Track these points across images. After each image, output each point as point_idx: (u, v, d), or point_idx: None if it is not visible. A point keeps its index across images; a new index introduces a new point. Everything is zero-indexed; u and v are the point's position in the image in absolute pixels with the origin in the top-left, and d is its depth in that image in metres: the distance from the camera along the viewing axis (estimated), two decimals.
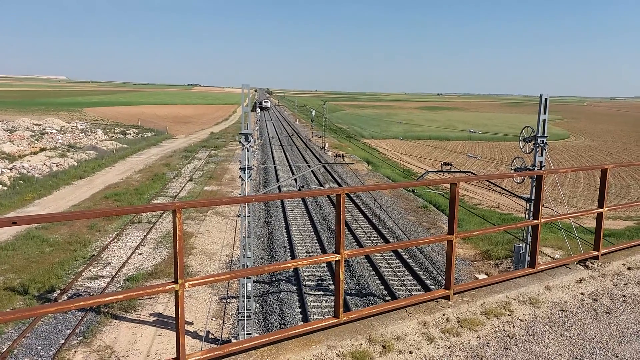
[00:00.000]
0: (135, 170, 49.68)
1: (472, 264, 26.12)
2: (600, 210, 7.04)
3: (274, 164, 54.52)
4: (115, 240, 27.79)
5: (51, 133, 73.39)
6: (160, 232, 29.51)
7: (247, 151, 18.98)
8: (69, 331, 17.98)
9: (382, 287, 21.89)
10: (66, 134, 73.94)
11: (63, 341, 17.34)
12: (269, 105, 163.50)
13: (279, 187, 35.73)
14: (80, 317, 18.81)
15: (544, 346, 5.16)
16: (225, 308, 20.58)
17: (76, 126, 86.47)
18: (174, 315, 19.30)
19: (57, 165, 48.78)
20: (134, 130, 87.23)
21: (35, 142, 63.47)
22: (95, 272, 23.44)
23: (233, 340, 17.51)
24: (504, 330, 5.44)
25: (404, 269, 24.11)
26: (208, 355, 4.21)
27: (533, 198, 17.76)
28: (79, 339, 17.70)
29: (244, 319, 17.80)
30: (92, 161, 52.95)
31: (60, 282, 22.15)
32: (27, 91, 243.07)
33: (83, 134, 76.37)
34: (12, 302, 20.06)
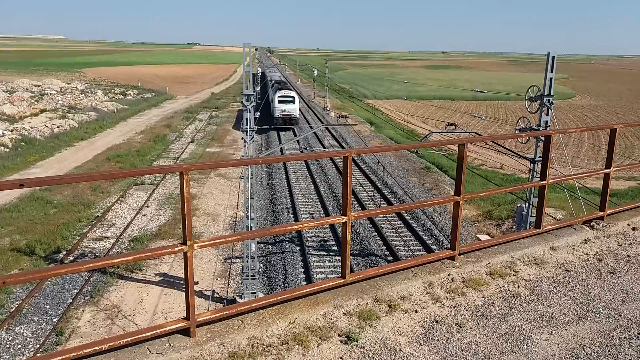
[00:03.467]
0: (136, 132, 49.48)
1: (474, 225, 26.29)
2: (608, 170, 6.99)
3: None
4: (119, 201, 27.95)
5: (51, 94, 72.74)
6: (164, 193, 29.63)
7: (249, 112, 18.81)
8: (76, 291, 18.31)
9: (384, 247, 22.11)
10: (66, 95, 73.28)
11: (71, 301, 17.69)
12: (297, 113, 49.85)
13: (281, 149, 35.60)
14: (87, 278, 19.12)
15: (548, 306, 5.22)
16: (229, 268, 20.88)
17: (76, 87, 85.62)
18: (178, 275, 19.68)
19: (58, 127, 48.57)
20: (134, 91, 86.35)
21: (35, 103, 62.98)
22: (100, 233, 23.68)
23: (238, 300, 17.84)
24: (508, 290, 5.50)
25: (406, 229, 24.29)
26: (217, 315, 4.26)
27: (538, 158, 17.68)
28: (86, 298, 18.04)
29: (248, 279, 18.08)
30: (93, 122, 52.68)
31: (66, 243, 22.41)
32: (25, 51, 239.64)
33: (83, 94, 75.68)
34: (19, 262, 20.35)
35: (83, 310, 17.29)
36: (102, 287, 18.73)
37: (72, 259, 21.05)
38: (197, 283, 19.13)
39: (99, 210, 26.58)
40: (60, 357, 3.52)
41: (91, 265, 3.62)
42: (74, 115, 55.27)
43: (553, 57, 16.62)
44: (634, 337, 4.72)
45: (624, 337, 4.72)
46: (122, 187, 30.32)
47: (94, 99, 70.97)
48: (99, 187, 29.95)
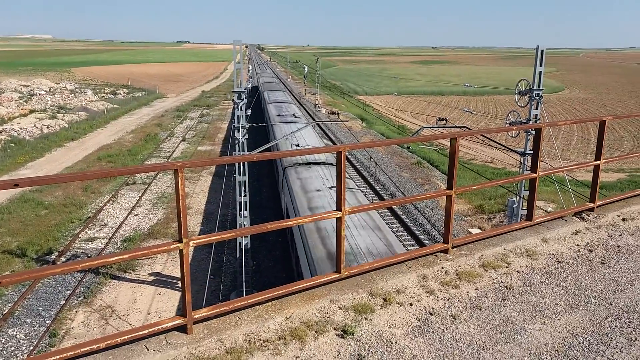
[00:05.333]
0: (127, 131, 49.20)
1: (466, 219, 26.43)
2: (598, 162, 7.07)
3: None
4: (111, 201, 27.81)
5: (40, 94, 72.10)
6: (156, 192, 29.52)
7: (241, 109, 18.78)
8: (69, 292, 18.21)
9: None
10: (55, 95, 72.68)
11: (64, 302, 17.60)
12: None
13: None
14: (80, 279, 19.02)
15: (540, 296, 5.29)
16: (223, 266, 20.87)
17: (65, 87, 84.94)
18: (172, 275, 19.58)
19: (47, 127, 48.17)
20: (124, 90, 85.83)
21: (24, 103, 62.40)
22: (92, 234, 23.55)
23: (232, 297, 17.85)
24: (501, 281, 5.56)
25: (399, 224, 24.39)
26: (214, 311, 4.28)
27: (528, 152, 17.82)
28: (79, 299, 17.96)
29: (241, 276, 18.08)
30: (83, 122, 52.30)
31: (58, 244, 22.27)
32: (13, 51, 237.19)
33: (72, 94, 75.10)
34: (10, 264, 20.21)
35: (76, 311, 17.21)
36: (95, 287, 18.65)
37: (64, 260, 20.93)
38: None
39: (90, 211, 26.44)
40: (58, 357, 3.52)
41: (87, 264, 3.62)
42: (63, 116, 54.84)
43: (542, 50, 16.72)
44: (625, 326, 4.80)
45: (615, 326, 4.80)
46: (114, 187, 30.17)
47: (83, 99, 70.45)
48: (90, 188, 29.79)
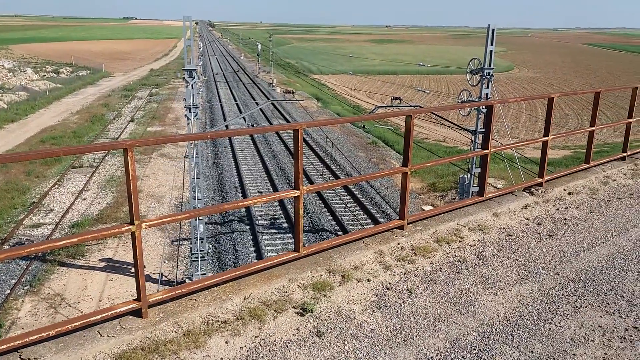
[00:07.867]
0: (72, 112, 47.12)
1: (419, 197, 26.99)
2: (546, 138, 7.30)
3: (220, 102, 53.00)
4: (56, 185, 26.68)
5: None
6: (104, 176, 28.54)
7: (192, 88, 18.29)
8: (14, 281, 17.45)
9: (335, 222, 22.35)
10: None
11: (9, 291, 16.85)
12: None
13: (226, 126, 34.96)
14: (26, 266, 18.24)
15: (492, 269, 5.47)
16: (177, 250, 20.50)
17: (2, 65, 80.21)
18: (124, 260, 19.08)
19: None
20: (68, 68, 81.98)
21: None
22: (38, 220, 22.57)
23: (187, 282, 17.59)
24: (455, 255, 5.70)
25: (355, 204, 24.64)
26: (170, 294, 4.18)
27: (479, 130, 18.26)
28: (25, 288, 17.24)
29: (197, 260, 17.83)
30: (23, 103, 49.67)
31: (0, 231, 21.24)
32: None
33: (11, 73, 71.08)
34: None
35: (23, 301, 16.52)
36: (42, 275, 17.93)
37: (7, 247, 19.98)
38: (144, 267, 18.67)
39: (34, 196, 25.29)
40: (5, 346, 3.35)
41: (33, 249, 3.44)
42: (1, 96, 51.91)
43: (493, 29, 17.04)
44: (571, 294, 5.03)
45: (562, 294, 5.02)
46: (59, 170, 28.94)
47: (23, 78, 66.87)
48: (34, 171, 28.44)
